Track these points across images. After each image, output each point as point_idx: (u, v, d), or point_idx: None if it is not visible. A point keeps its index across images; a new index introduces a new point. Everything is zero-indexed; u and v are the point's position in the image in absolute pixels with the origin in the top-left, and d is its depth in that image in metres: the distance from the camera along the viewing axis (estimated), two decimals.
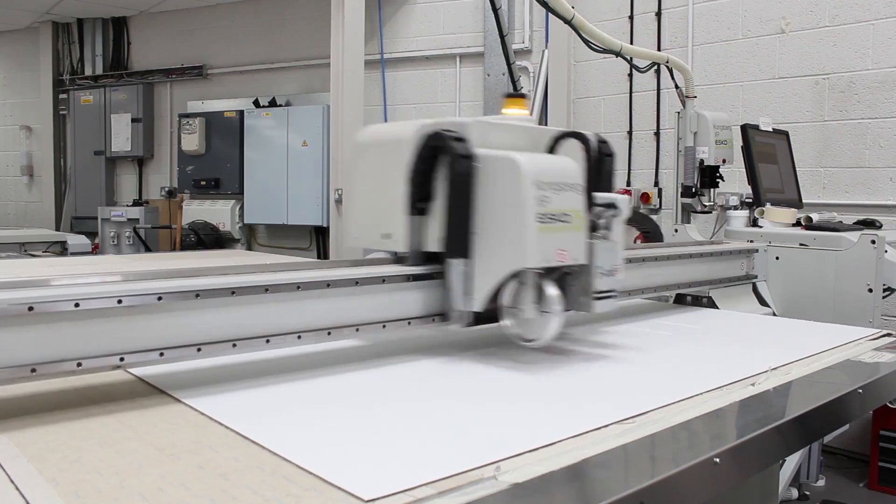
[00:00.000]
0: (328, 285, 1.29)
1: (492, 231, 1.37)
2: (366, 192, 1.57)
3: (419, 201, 1.46)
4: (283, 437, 0.93)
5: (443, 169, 1.42)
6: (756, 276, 2.45)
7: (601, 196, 1.47)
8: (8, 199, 8.46)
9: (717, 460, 0.91)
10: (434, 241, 1.46)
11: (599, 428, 0.98)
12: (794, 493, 3.61)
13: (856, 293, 2.29)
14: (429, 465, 0.83)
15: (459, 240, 1.39)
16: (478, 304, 1.37)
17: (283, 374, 1.30)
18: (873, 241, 2.32)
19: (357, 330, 1.33)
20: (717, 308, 2.21)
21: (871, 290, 2.27)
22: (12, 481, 0.78)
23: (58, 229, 7.47)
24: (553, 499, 0.79)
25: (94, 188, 7.74)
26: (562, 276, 1.42)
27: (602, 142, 1.51)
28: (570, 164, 1.44)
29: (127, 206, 7.10)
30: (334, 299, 1.30)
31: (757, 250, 2.48)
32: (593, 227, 1.46)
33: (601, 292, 1.44)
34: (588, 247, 1.43)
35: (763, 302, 2.48)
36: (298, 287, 1.25)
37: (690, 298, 2.29)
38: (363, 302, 1.34)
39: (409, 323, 1.41)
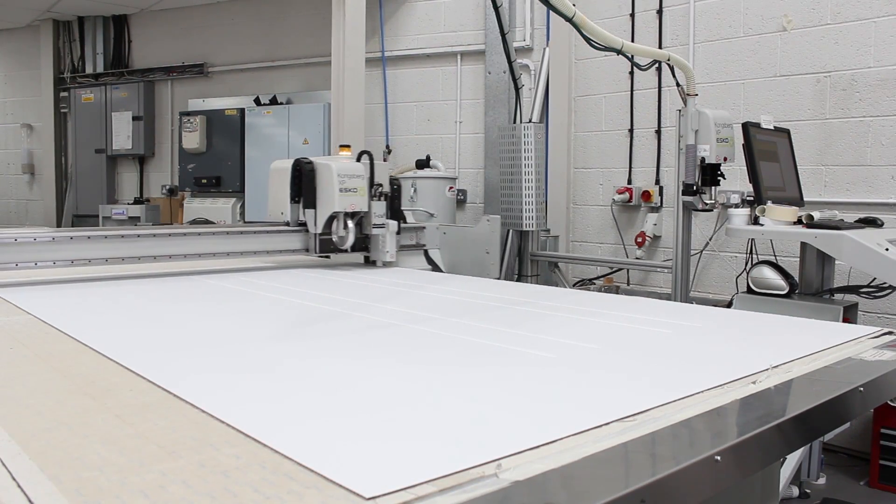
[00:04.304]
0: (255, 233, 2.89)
1: (323, 195, 2.84)
2: (273, 193, 3.01)
3: (295, 196, 2.91)
4: (284, 434, 0.93)
5: (302, 174, 2.89)
6: (425, 245, 3.43)
7: (382, 181, 2.94)
8: (9, 197, 8.47)
9: (718, 458, 0.91)
10: (303, 215, 2.91)
11: (600, 426, 0.98)
12: (795, 491, 3.61)
13: (480, 255, 3.58)
14: (430, 463, 0.83)
15: (310, 200, 2.87)
16: (319, 229, 2.84)
17: (283, 372, 1.30)
18: (488, 220, 3.61)
19: (268, 253, 2.90)
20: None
21: (488, 253, 3.59)
22: (14, 479, 0.78)
23: (59, 227, 7.48)
24: (554, 497, 0.79)
25: (95, 186, 7.75)
26: (360, 218, 2.89)
27: (370, 155, 2.94)
28: (360, 165, 2.88)
29: (128, 204, 7.12)
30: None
31: (425, 227, 3.45)
32: (375, 195, 2.90)
33: (376, 225, 2.92)
34: (368, 203, 2.87)
35: (431, 263, 3.41)
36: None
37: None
38: (271, 240, 2.91)
39: (294, 252, 2.95)
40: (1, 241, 2.28)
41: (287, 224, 2.92)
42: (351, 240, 2.79)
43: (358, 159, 2.91)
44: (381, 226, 2.90)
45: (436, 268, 3.44)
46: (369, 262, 3.05)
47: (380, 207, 2.90)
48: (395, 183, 3.02)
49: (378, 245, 2.94)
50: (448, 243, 3.52)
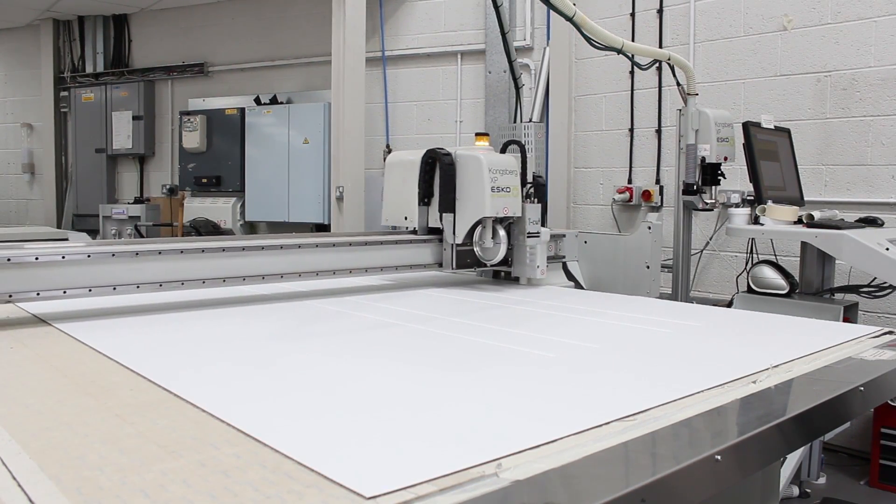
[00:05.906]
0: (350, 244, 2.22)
1: (467, 196, 2.30)
2: (391, 193, 2.53)
3: (425, 197, 2.40)
4: (284, 433, 0.93)
5: (437, 168, 2.37)
6: (564, 257, 2.95)
7: (529, 178, 2.43)
8: (9, 196, 8.46)
9: (719, 458, 0.91)
10: (434, 220, 2.39)
11: (601, 425, 0.98)
12: (795, 490, 3.61)
13: (637, 269, 2.83)
14: (430, 463, 0.83)
15: (448, 202, 2.33)
16: (459, 238, 2.32)
17: (283, 371, 1.30)
18: (649, 228, 2.83)
19: (397, 269, 2.33)
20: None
21: (648, 267, 2.82)
22: (14, 478, 0.78)
23: (59, 227, 7.48)
24: (554, 496, 0.79)
25: (96, 186, 7.75)
26: (508, 223, 2.38)
27: (521, 145, 2.47)
28: (511, 159, 2.36)
29: (128, 203, 7.11)
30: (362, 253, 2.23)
31: (564, 235, 2.95)
32: (527, 196, 2.38)
33: (530, 233, 2.39)
34: (521, 206, 2.35)
35: (571, 278, 2.94)
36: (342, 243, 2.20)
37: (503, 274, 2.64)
38: (395, 253, 2.32)
39: (424, 267, 2.40)
40: (15, 260, 1.59)
41: (414, 231, 2.42)
42: (502, 252, 2.31)
43: (503, 150, 2.43)
44: (535, 234, 2.39)
45: (577, 284, 2.93)
46: (500, 278, 2.56)
47: (534, 211, 2.38)
48: (538, 178, 2.48)
49: (526, 258, 2.41)
50: (588, 255, 2.97)
